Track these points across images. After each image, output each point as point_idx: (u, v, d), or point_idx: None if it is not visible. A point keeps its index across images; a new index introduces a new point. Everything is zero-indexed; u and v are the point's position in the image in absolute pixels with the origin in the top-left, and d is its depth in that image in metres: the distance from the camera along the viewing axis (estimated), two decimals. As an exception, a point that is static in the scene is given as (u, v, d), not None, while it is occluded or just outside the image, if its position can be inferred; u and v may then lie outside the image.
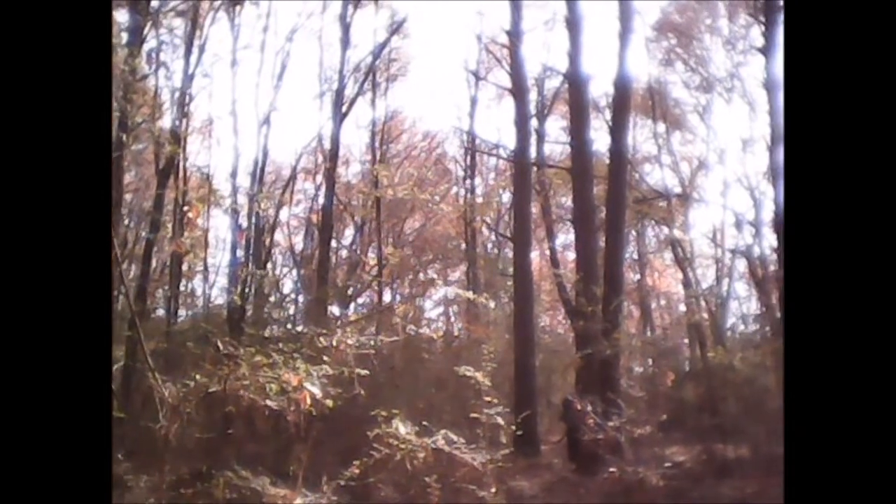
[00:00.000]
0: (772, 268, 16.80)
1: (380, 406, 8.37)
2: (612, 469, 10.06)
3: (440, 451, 8.11)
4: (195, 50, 16.05)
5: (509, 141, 19.50)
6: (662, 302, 27.90)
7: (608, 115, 16.11)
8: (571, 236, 18.77)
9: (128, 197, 17.97)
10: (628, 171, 16.38)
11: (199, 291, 19.70)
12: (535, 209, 19.07)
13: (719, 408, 13.39)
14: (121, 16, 13.51)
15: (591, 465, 10.73)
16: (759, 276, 18.49)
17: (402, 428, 7.87)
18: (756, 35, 17.37)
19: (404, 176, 21.41)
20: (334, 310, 17.67)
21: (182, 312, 17.95)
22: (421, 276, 25.65)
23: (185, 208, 13.43)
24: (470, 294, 14.65)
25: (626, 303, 17.65)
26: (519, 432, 10.33)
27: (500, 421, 8.96)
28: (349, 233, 24.35)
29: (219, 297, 19.00)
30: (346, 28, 17.94)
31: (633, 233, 23.38)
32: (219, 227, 21.50)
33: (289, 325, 16.39)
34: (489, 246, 26.54)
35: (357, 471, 7.82)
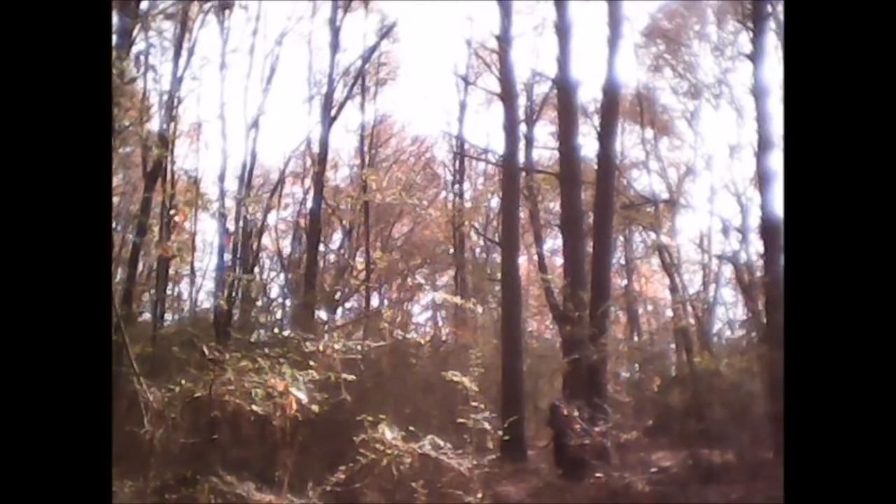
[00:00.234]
0: (758, 274, 16.86)
1: (367, 411, 8.35)
2: (598, 474, 10.11)
3: (427, 456, 8.10)
4: (184, 53, 16.01)
5: (498, 146, 19.58)
6: (649, 307, 27.98)
7: (596, 120, 16.20)
8: (559, 241, 18.82)
9: (115, 200, 17.83)
10: (616, 176, 16.44)
11: (185, 295, 19.62)
12: (523, 214, 19.11)
13: (705, 413, 13.46)
14: (109, 18, 13.43)
15: (577, 470, 10.76)
16: (746, 282, 18.57)
17: (388, 433, 7.85)
18: (744, 41, 17.49)
19: (393, 180, 21.40)
20: (322, 314, 17.62)
21: (169, 316, 17.85)
22: (409, 280, 25.63)
23: (172, 212, 13.37)
24: (457, 299, 14.64)
25: (613, 308, 17.70)
26: (506, 437, 10.34)
27: (487, 426, 8.95)
28: (337, 237, 24.30)
29: (206, 301, 18.91)
30: (335, 32, 17.93)
31: (621, 238, 23.47)
32: (206, 230, 21.39)
33: (276, 330, 16.31)
34: (477, 251, 26.56)
35: (343, 476, 7.80)
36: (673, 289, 21.36)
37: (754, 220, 18.18)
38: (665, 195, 21.79)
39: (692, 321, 19.37)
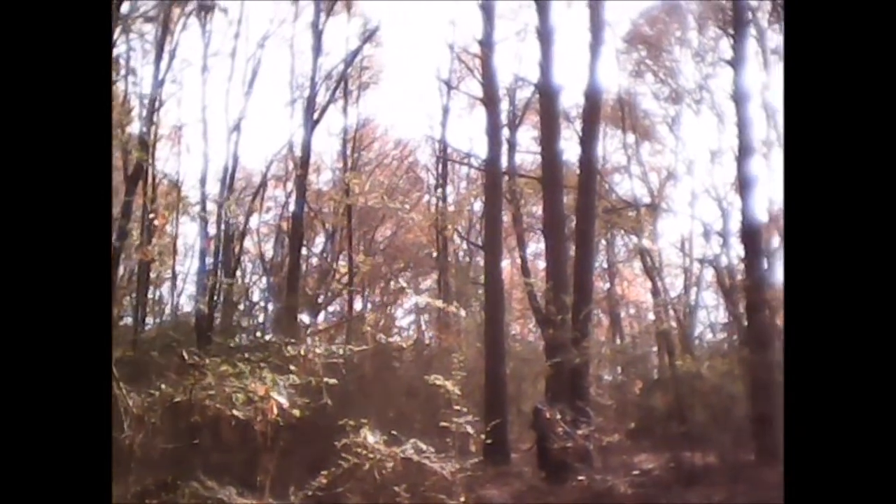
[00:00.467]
0: (739, 277, 16.99)
1: (350, 415, 8.33)
2: (581, 477, 10.14)
3: (409, 460, 8.08)
4: (165, 56, 15.93)
5: (481, 150, 19.63)
6: (631, 310, 28.10)
7: (579, 125, 16.24)
8: (542, 245, 18.84)
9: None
10: (598, 181, 16.52)
11: (167, 299, 19.49)
12: (506, 218, 19.13)
13: (687, 416, 13.51)
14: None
15: (560, 473, 10.79)
16: (727, 286, 18.68)
17: (370, 437, 7.83)
18: (725, 47, 17.59)
19: (376, 184, 21.36)
20: (304, 318, 17.56)
21: (150, 320, 17.73)
22: (392, 284, 25.59)
23: (152, 216, 13.28)
24: (439, 302, 14.64)
25: (595, 311, 17.79)
26: (489, 441, 10.35)
27: (470, 429, 8.95)
28: (320, 240, 24.21)
29: (187, 305, 18.81)
30: (318, 35, 17.92)
31: (603, 242, 23.59)
32: (188, 234, 21.27)
33: (258, 334, 16.25)
34: (460, 254, 26.57)
35: (325, 481, 7.78)
36: (655, 292, 21.49)
37: (735, 224, 18.31)
38: (647, 199, 21.91)
39: (674, 324, 19.49)
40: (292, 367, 7.99)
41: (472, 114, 23.25)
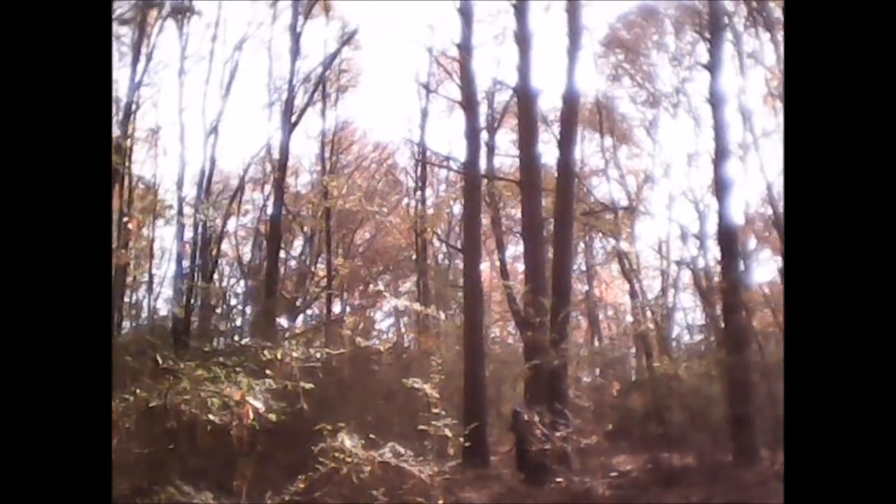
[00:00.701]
0: (716, 279, 17.14)
1: (328, 419, 8.29)
2: (559, 479, 10.15)
3: (387, 463, 8.06)
4: (142, 58, 15.78)
5: (460, 153, 19.59)
6: (610, 312, 28.24)
7: (557, 128, 16.31)
8: (521, 248, 18.90)
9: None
10: (576, 183, 16.62)
11: (144, 303, 19.28)
12: (485, 221, 19.16)
13: (665, 417, 13.61)
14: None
15: (539, 475, 10.81)
16: (704, 287, 18.86)
17: (348, 441, 7.80)
18: (701, 51, 17.75)
19: (354, 187, 21.29)
20: (283, 321, 17.46)
21: (126, 324, 17.54)
22: (371, 287, 25.52)
23: (126, 219, 13.14)
24: (417, 305, 14.61)
25: (574, 313, 17.86)
26: (468, 443, 10.33)
27: (448, 433, 8.94)
28: (298, 243, 24.08)
29: (164, 309, 18.60)
30: (296, 38, 17.82)
31: (581, 244, 23.72)
32: (165, 237, 21.07)
33: (235, 338, 16.12)
34: (440, 257, 26.57)
35: (302, 485, 7.73)
36: (632, 294, 21.63)
37: (712, 227, 18.47)
38: (624, 202, 22.07)
39: (651, 326, 19.60)
40: (268, 372, 7.93)
41: (451, 117, 23.31)
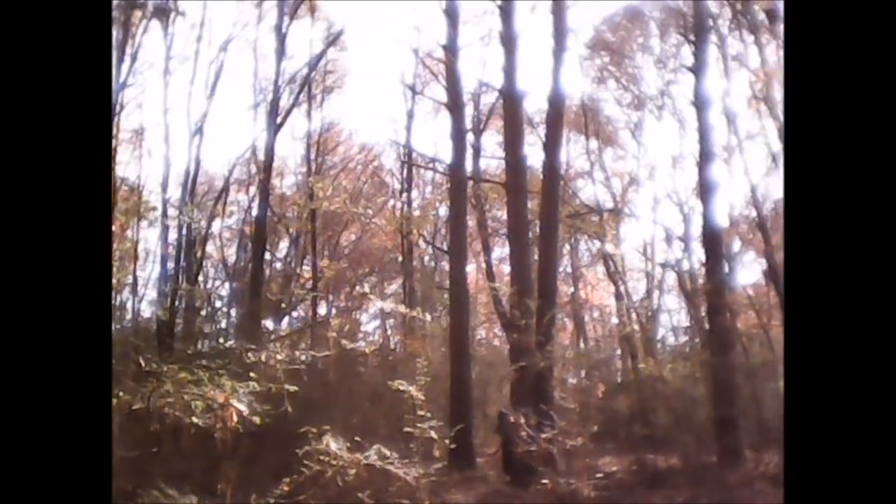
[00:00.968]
0: (700, 281, 17.23)
1: (313, 422, 8.24)
2: (545, 480, 10.14)
3: (373, 466, 8.03)
4: (126, 59, 15.66)
5: (446, 155, 19.62)
6: (595, 314, 28.36)
7: (542, 130, 16.32)
8: (507, 249, 18.92)
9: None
10: (561, 186, 16.64)
11: (128, 305, 19.10)
12: (471, 223, 19.17)
13: (650, 418, 13.65)
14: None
15: (524, 476, 10.80)
16: (689, 289, 18.96)
17: (333, 444, 7.76)
18: (686, 54, 17.86)
19: (340, 188, 21.25)
20: (268, 324, 17.38)
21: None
22: (357, 289, 25.47)
23: (110, 220, 12.99)
24: (402, 307, 14.58)
25: (559, 315, 17.89)
26: (453, 445, 10.31)
27: (434, 435, 8.92)
28: (283, 245, 24.03)
29: (148, 311, 18.45)
30: (281, 39, 17.77)
31: (567, 246, 23.78)
32: (149, 238, 20.92)
33: (220, 340, 16.02)
34: (426, 259, 26.54)
35: (287, 488, 7.68)
36: (618, 296, 21.73)
37: (696, 229, 18.59)
38: (609, 204, 22.17)
39: (637, 328, 19.70)
40: (253, 374, 7.88)
41: (437, 118, 23.27)
